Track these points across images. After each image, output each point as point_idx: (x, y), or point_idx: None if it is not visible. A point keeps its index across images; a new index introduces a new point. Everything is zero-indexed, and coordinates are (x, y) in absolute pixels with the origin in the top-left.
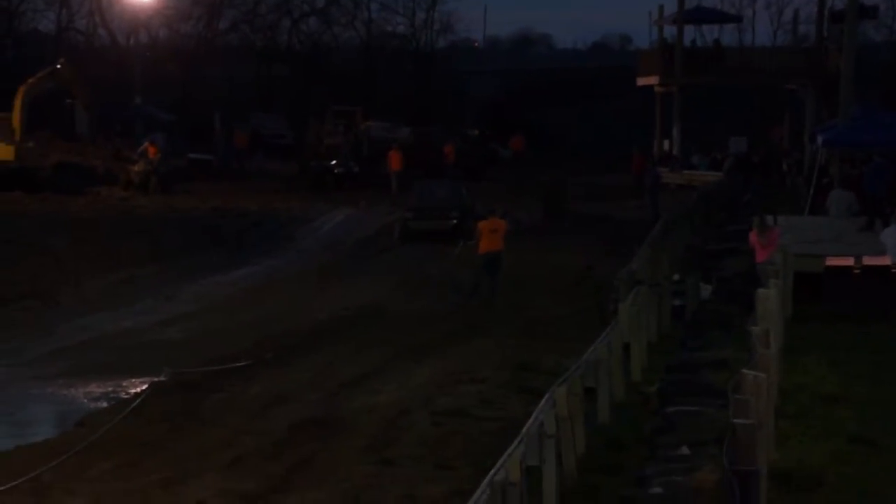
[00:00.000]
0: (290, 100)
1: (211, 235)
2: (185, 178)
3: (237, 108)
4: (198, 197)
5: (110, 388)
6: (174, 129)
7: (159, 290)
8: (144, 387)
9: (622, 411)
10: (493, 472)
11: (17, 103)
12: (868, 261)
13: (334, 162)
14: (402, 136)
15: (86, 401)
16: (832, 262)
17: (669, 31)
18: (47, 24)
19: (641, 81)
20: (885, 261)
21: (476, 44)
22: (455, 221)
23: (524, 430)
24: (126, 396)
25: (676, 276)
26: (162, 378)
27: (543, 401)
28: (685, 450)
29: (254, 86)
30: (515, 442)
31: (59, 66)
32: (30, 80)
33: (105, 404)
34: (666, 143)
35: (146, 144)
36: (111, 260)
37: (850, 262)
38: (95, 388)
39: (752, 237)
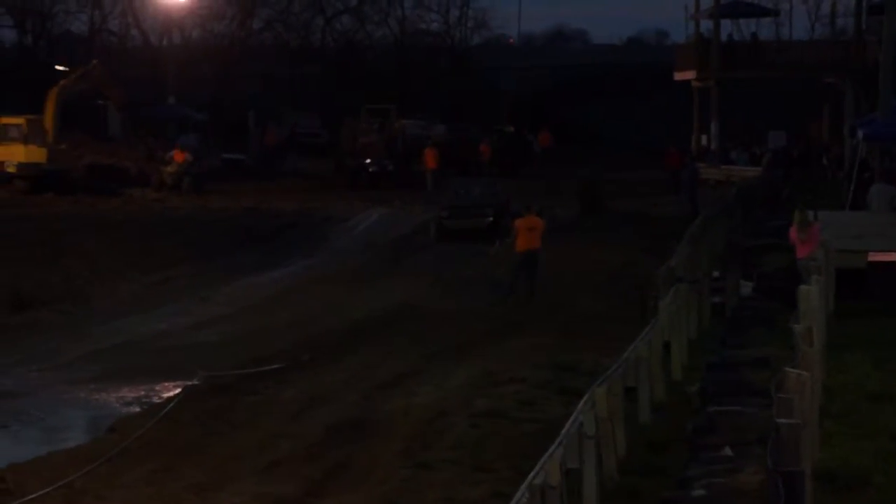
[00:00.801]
0: (325, 98)
1: (245, 236)
2: (218, 178)
3: (271, 107)
4: (231, 197)
5: (143, 393)
6: (208, 128)
7: (194, 292)
8: (178, 390)
9: (663, 411)
10: (532, 474)
11: (50, 105)
12: None
13: (369, 160)
14: (438, 133)
15: (118, 405)
16: (875, 257)
17: (706, 25)
18: (80, 26)
19: (678, 76)
20: None
21: (511, 40)
22: (491, 219)
23: (563, 431)
24: (159, 401)
25: (716, 273)
26: (195, 382)
27: (583, 401)
28: (728, 450)
29: (288, 84)
30: (555, 444)
31: (91, 68)
32: (62, 82)
33: (137, 409)
34: (704, 139)
35: (174, 151)
36: (144, 261)
37: (893, 257)
38: (128, 393)
39: (793, 233)
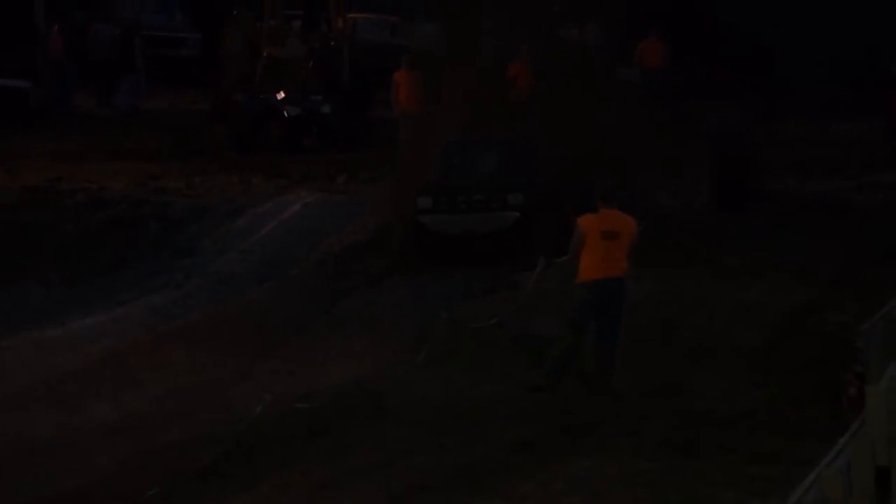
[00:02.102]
0: None
1: (27, 247)
2: None
3: None
4: (2, 166)
5: None
6: None
7: None
8: None
9: None
10: None
11: None
12: None
13: (283, 95)
14: (421, 41)
15: None
16: None
17: None
18: None
19: None
20: None
21: None
22: (518, 214)
23: None
24: None
25: None
26: None
27: None
28: None
29: None
30: None
31: None
32: None
33: None
34: None
35: None
36: None
37: None
38: None
39: None
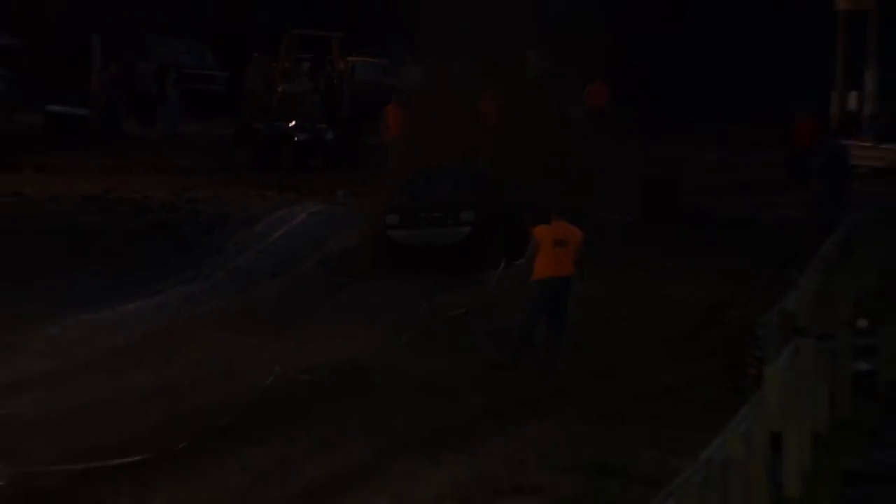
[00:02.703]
0: (220, 19)
1: (82, 244)
2: (38, 145)
3: (132, 31)
4: (62, 178)
5: None
6: (20, 61)
7: None
8: None
9: None
10: None
11: None
12: None
13: (294, 123)
14: (409, 81)
15: None
16: None
17: None
18: None
19: None
20: None
21: None
22: (470, 229)
23: None
24: None
25: (863, 323)
26: None
27: None
28: None
29: None
30: None
31: None
32: None
33: None
34: (852, 98)
35: None
36: None
37: None
38: None
39: None
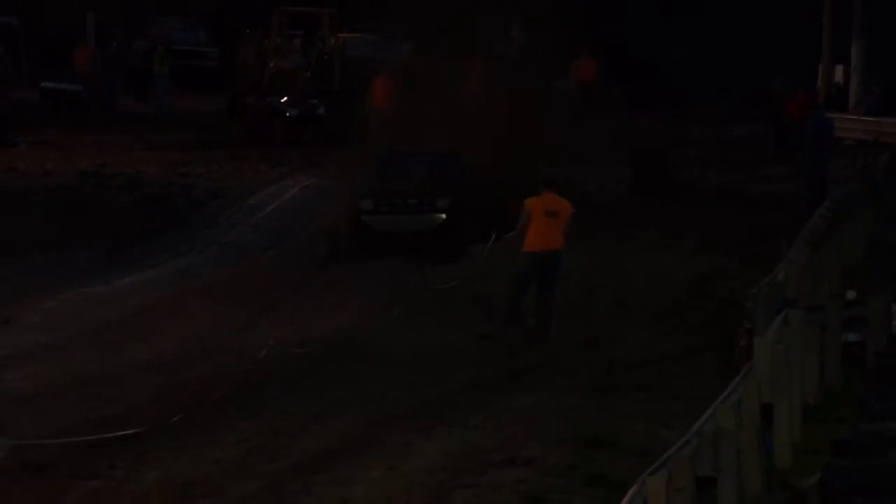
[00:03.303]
0: None
1: (77, 219)
2: (35, 120)
3: (125, 8)
4: (56, 154)
5: None
6: (17, 40)
7: None
8: None
9: None
10: None
11: None
12: None
13: (286, 98)
14: (398, 56)
15: None
16: None
17: None
18: None
19: None
20: None
21: None
22: (444, 216)
23: None
24: None
25: (852, 294)
26: None
27: (626, 499)
28: None
29: None
30: None
31: None
32: None
33: None
34: (837, 72)
35: None
36: None
37: None
38: None
39: None
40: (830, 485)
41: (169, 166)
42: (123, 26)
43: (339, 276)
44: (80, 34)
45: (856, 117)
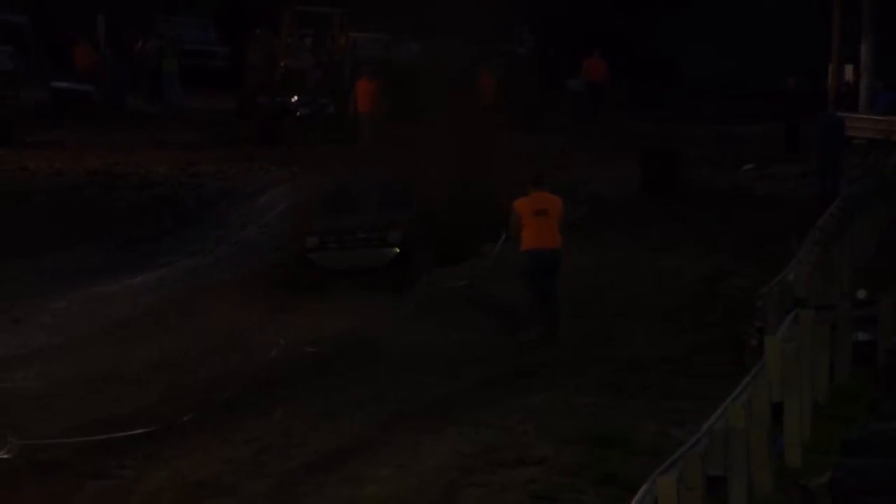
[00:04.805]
0: None
1: (88, 218)
2: (45, 120)
3: (135, 7)
4: (67, 154)
5: None
6: (27, 40)
7: (1, 309)
8: None
9: None
10: None
11: None
12: None
13: (296, 98)
14: (403, 54)
15: None
16: None
17: None
18: None
19: None
20: None
21: None
22: (397, 250)
23: None
24: None
25: (862, 294)
26: (4, 455)
27: (637, 498)
28: None
29: None
30: None
31: None
32: None
33: None
34: (848, 70)
35: None
36: None
37: None
38: None
39: None
40: (841, 484)
41: (179, 166)
42: (133, 26)
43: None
44: (88, 33)
45: (864, 116)
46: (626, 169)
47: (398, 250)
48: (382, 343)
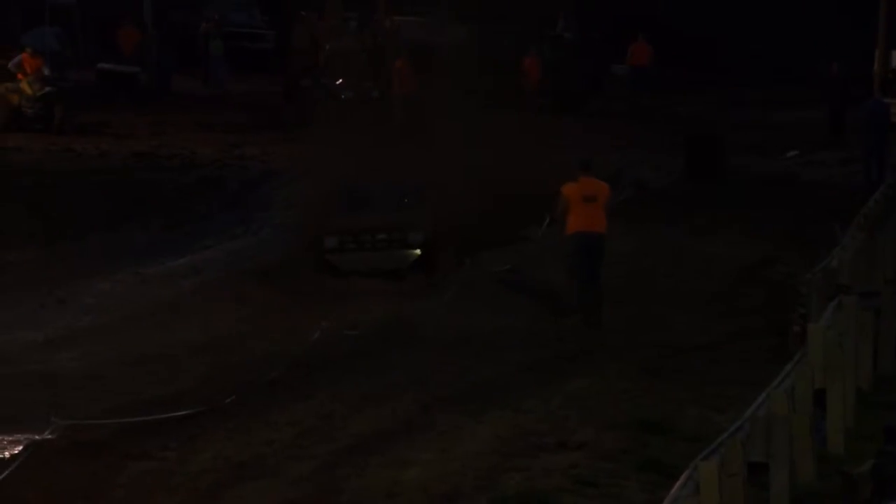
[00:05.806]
0: None
1: (133, 199)
2: (91, 102)
3: None
4: (112, 135)
5: None
6: (75, 21)
7: (47, 289)
8: (18, 449)
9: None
10: None
11: None
12: None
13: (340, 81)
14: (452, 39)
15: None
16: None
17: None
18: None
19: None
20: None
21: None
22: (418, 252)
23: None
24: None
25: None
26: (48, 435)
27: (679, 484)
28: None
29: None
30: None
31: None
32: None
33: None
34: (894, 57)
35: (20, 56)
36: None
37: None
38: None
39: None
40: (883, 471)
41: (224, 148)
42: (179, 7)
43: None
44: (135, 15)
45: None
46: (671, 154)
47: (419, 252)
48: (424, 327)
